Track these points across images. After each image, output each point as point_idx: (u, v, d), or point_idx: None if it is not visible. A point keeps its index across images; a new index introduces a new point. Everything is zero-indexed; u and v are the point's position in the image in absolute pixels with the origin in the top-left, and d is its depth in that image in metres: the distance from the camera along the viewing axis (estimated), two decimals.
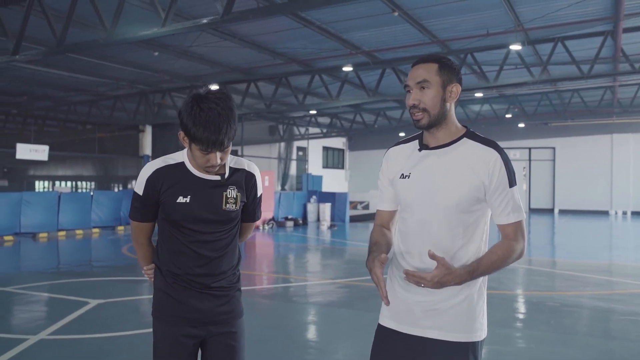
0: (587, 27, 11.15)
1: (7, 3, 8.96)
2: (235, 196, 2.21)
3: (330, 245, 14.49)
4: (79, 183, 33.53)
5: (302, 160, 28.09)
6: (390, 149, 2.21)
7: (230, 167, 2.24)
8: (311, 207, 21.08)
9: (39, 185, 34.80)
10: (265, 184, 17.68)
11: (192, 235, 2.19)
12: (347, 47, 12.46)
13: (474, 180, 1.94)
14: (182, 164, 2.20)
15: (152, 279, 2.34)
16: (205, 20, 8.16)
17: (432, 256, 1.83)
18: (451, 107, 2.03)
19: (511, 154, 26.36)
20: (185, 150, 2.19)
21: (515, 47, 11.30)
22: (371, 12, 9.99)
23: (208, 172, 2.16)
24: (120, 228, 16.77)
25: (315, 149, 29.01)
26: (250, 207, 2.35)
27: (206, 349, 2.27)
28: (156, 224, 2.32)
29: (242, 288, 2.38)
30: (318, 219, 20.82)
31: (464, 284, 1.91)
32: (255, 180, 2.32)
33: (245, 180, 2.28)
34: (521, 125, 25.67)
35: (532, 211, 27.74)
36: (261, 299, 7.49)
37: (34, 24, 9.10)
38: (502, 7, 9.86)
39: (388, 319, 2.08)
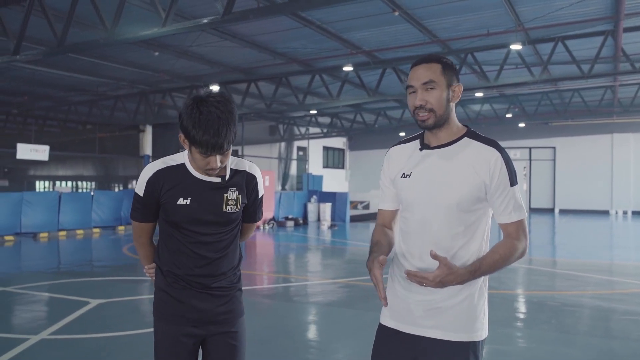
0: (587, 27, 11.14)
1: (7, 3, 8.97)
2: (235, 198, 2.21)
3: (330, 245, 14.49)
4: (79, 183, 33.54)
5: (303, 160, 28.09)
6: (392, 148, 2.21)
7: (231, 169, 2.24)
8: (311, 207, 21.08)
9: (40, 185, 34.81)
10: (266, 183, 17.67)
11: (192, 236, 2.19)
12: (347, 46, 12.46)
13: (475, 180, 1.94)
14: (183, 165, 2.20)
15: (154, 278, 2.35)
16: (205, 20, 8.16)
17: (434, 256, 1.83)
18: (453, 107, 2.04)
19: (511, 154, 26.23)
20: (186, 151, 2.19)
21: (516, 46, 11.29)
22: (371, 11, 9.98)
23: (208, 175, 2.16)
24: (121, 228, 16.78)
25: (315, 148, 29.01)
26: (251, 209, 2.35)
27: (207, 348, 2.27)
28: (157, 224, 2.33)
29: (242, 288, 2.38)
30: (318, 219, 20.83)
31: (464, 284, 1.91)
32: (256, 181, 2.32)
33: (246, 182, 2.27)
34: (521, 125, 25.66)
35: (533, 211, 27.72)
36: (262, 298, 7.49)
37: (34, 24, 9.11)
38: (503, 6, 9.85)
39: (389, 319, 2.08)
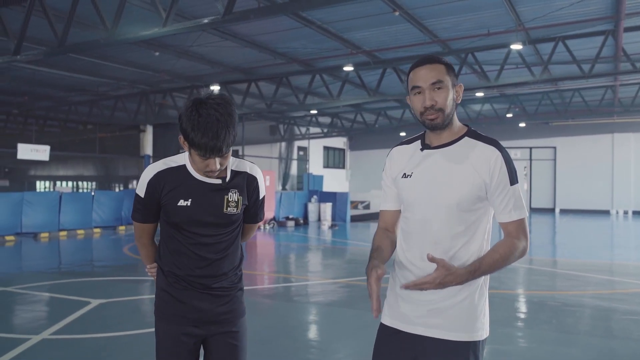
0: (588, 27, 11.14)
1: (8, 3, 8.97)
2: (236, 199, 2.21)
3: (331, 245, 14.50)
4: (80, 183, 33.57)
5: (303, 160, 28.09)
6: (394, 148, 2.21)
7: (232, 170, 2.24)
8: (312, 207, 21.08)
9: (40, 185, 34.85)
10: (266, 183, 17.60)
11: (193, 237, 2.19)
12: (347, 46, 12.46)
13: (476, 179, 1.94)
14: (184, 166, 2.20)
15: (155, 278, 2.35)
16: (206, 20, 8.16)
17: (432, 259, 1.83)
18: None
19: (512, 154, 25.87)
20: (187, 152, 2.19)
21: (516, 46, 11.29)
22: (372, 11, 9.98)
23: (208, 177, 2.16)
24: (122, 228, 16.79)
25: (316, 148, 29.00)
26: (252, 210, 2.35)
27: (208, 348, 2.28)
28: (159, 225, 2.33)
29: (244, 288, 2.38)
30: (319, 219, 20.83)
31: (465, 283, 1.91)
32: (257, 183, 2.32)
33: (247, 184, 2.27)
34: (522, 124, 25.65)
35: (533, 211, 27.72)
36: (262, 298, 7.49)
37: (35, 24, 9.11)
38: (503, 6, 9.85)
39: (390, 318, 2.09)
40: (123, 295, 7.33)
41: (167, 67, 14.46)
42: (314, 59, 13.90)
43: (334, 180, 28.91)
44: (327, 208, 20.50)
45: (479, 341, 1.98)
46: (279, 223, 19.09)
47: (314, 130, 27.36)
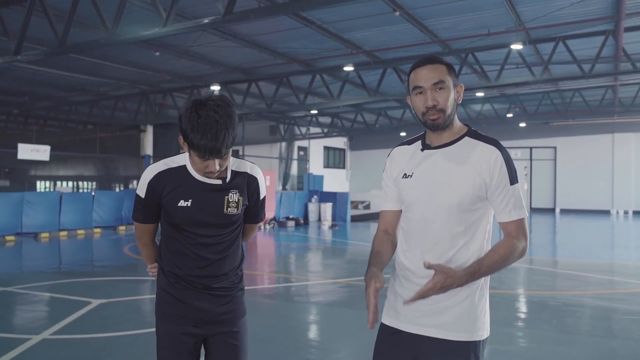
0: (588, 27, 11.14)
1: (8, 3, 8.98)
2: (237, 200, 2.21)
3: (331, 245, 14.50)
4: (80, 183, 33.59)
5: (303, 160, 28.09)
6: (394, 149, 2.21)
7: (232, 171, 2.23)
8: (312, 207, 21.08)
9: (41, 185, 34.87)
10: (267, 183, 17.62)
11: (193, 238, 2.19)
12: (348, 46, 12.46)
13: (476, 179, 1.94)
14: (184, 167, 2.19)
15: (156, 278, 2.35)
16: (206, 20, 8.16)
17: (429, 266, 1.84)
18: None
19: (512, 154, 25.76)
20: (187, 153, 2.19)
21: (517, 46, 11.29)
22: (372, 11, 9.98)
23: (208, 177, 2.16)
24: (122, 228, 16.79)
25: (316, 148, 29.01)
26: (253, 210, 2.35)
27: (209, 348, 2.28)
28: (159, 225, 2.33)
29: (244, 288, 2.38)
30: (319, 219, 20.83)
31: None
32: (258, 183, 2.32)
33: (247, 184, 2.27)
34: (522, 124, 25.64)
35: (534, 211, 27.72)
36: (262, 298, 7.49)
37: (35, 24, 9.12)
38: (503, 6, 9.85)
39: (390, 318, 2.09)
40: (123, 295, 7.33)
41: (168, 67, 14.47)
42: (314, 59, 13.90)
43: (334, 181, 28.91)
44: (327, 208, 20.50)
45: (480, 341, 1.98)
46: (279, 223, 19.09)
47: (314, 130, 27.37)
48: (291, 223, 19.37)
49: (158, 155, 20.66)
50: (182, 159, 2.21)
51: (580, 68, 12.92)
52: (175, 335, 2.21)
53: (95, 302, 6.73)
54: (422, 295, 1.84)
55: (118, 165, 27.95)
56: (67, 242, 14.06)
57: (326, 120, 25.11)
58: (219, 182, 2.19)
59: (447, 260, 1.96)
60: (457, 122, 2.06)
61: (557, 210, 28.10)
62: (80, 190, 30.55)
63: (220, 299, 2.24)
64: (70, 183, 33.53)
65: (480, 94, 18.64)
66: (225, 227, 2.22)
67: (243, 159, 2.36)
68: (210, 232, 2.19)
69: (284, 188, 25.12)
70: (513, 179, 1.96)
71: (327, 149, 30.33)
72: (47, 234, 14.54)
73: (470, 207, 1.96)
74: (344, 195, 21.72)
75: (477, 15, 10.44)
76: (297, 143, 27.25)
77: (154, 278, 2.39)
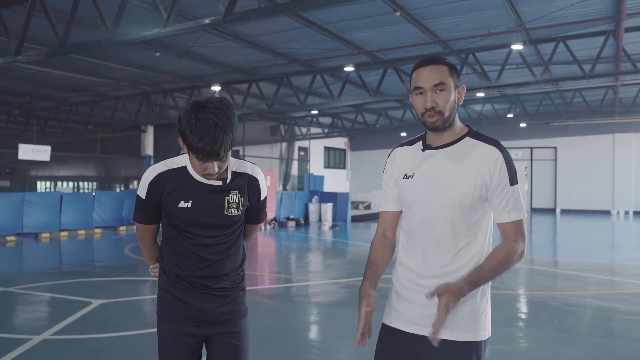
0: (589, 27, 11.14)
1: (9, 4, 8.98)
2: (237, 201, 2.21)
3: (332, 246, 14.50)
4: (80, 183, 33.62)
5: (304, 160, 28.09)
6: (395, 149, 2.21)
7: (232, 172, 2.23)
8: (313, 207, 21.08)
9: (41, 186, 34.88)
10: (267, 184, 17.66)
11: (194, 238, 2.20)
12: (348, 47, 12.46)
13: (477, 179, 1.94)
14: (184, 168, 2.20)
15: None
16: (207, 21, 8.16)
17: (431, 295, 1.83)
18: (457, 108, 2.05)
19: (513, 154, 25.60)
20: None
21: (517, 46, 11.29)
22: (373, 12, 9.99)
23: (207, 179, 2.16)
24: (122, 228, 16.80)
25: (316, 149, 29.01)
26: (254, 210, 2.35)
27: (210, 348, 2.28)
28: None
29: (246, 288, 2.39)
30: (320, 219, 20.83)
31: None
32: (258, 184, 2.32)
33: (247, 185, 2.27)
34: (523, 125, 25.64)
35: (534, 211, 27.70)
36: (263, 299, 7.50)
37: (36, 24, 9.12)
38: (504, 6, 9.85)
39: (392, 319, 2.09)
40: (124, 296, 7.33)
41: (168, 68, 14.47)
42: (315, 60, 13.90)
43: (335, 181, 28.91)
44: (327, 208, 20.50)
45: (481, 341, 1.98)
46: (279, 223, 19.09)
47: (314, 130, 27.37)
48: (292, 223, 19.37)
49: (159, 155, 20.67)
50: (183, 160, 2.22)
51: (580, 68, 12.91)
52: (176, 336, 2.22)
53: (96, 303, 6.73)
54: (441, 322, 1.81)
55: (119, 166, 27.98)
56: (67, 242, 14.07)
57: (327, 120, 25.12)
58: (220, 183, 2.19)
59: (449, 261, 1.97)
60: (457, 123, 2.06)
61: (558, 211, 28.08)
62: (81, 191, 30.58)
63: (222, 299, 2.25)
64: (70, 183, 33.55)
65: (480, 94, 18.65)
66: (225, 228, 2.22)
67: (243, 159, 2.36)
68: (211, 233, 2.20)
69: (284, 188, 25.12)
70: (513, 180, 1.96)
71: (327, 149, 30.33)
72: (47, 234, 14.54)
73: (471, 208, 1.96)
74: (345, 195, 21.72)
75: (478, 15, 10.44)
76: (298, 143, 27.24)
77: (155, 278, 2.39)
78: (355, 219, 21.85)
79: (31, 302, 7.11)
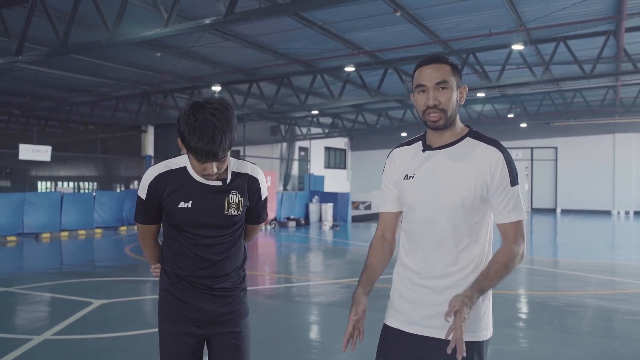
0: (589, 27, 11.13)
1: (9, 4, 8.99)
2: (237, 201, 2.21)
3: (332, 246, 14.50)
4: (81, 183, 33.62)
5: (304, 160, 28.10)
6: (394, 150, 2.20)
7: (232, 172, 2.23)
8: (313, 207, 21.08)
9: (42, 186, 34.89)
10: (268, 184, 17.65)
11: (194, 239, 2.20)
12: (349, 47, 12.46)
13: (478, 179, 1.94)
14: (184, 168, 2.20)
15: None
16: (207, 21, 8.16)
17: (447, 315, 1.77)
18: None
19: (513, 154, 25.59)
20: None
21: (518, 47, 11.29)
22: (373, 12, 9.99)
23: (206, 179, 2.17)
24: (123, 228, 16.80)
25: (317, 149, 29.02)
26: (255, 211, 2.35)
27: (211, 348, 2.28)
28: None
29: (247, 288, 2.38)
30: (320, 219, 20.83)
31: (468, 285, 1.91)
32: (259, 184, 2.32)
33: (248, 185, 2.27)
34: (523, 125, 25.64)
35: (534, 211, 27.71)
36: (263, 299, 7.50)
37: (36, 24, 9.12)
38: (505, 7, 9.85)
39: (393, 319, 2.09)
40: (125, 296, 7.33)
41: (169, 68, 14.47)
42: (315, 60, 13.90)
43: (335, 181, 28.92)
44: (328, 208, 20.50)
45: (483, 341, 1.99)
46: (280, 223, 19.09)
47: (315, 130, 27.38)
48: (292, 223, 19.38)
49: (159, 155, 20.69)
50: (183, 161, 2.22)
51: (581, 68, 12.91)
52: (177, 336, 2.22)
53: (96, 303, 6.73)
54: (460, 338, 1.73)
55: (119, 166, 27.98)
56: (68, 242, 14.07)
57: (327, 120, 25.12)
58: (220, 183, 2.19)
59: (451, 261, 1.97)
60: (458, 123, 2.05)
61: (558, 211, 28.08)
62: (81, 191, 30.59)
63: (222, 300, 2.25)
64: (71, 183, 33.56)
65: (481, 95, 18.64)
66: (226, 228, 2.22)
67: (244, 159, 2.36)
68: (211, 233, 2.20)
69: (284, 188, 25.12)
70: (514, 181, 1.96)
71: (328, 149, 30.34)
72: (48, 235, 14.54)
73: (472, 208, 1.96)
74: (345, 195, 21.72)
75: (478, 15, 10.44)
76: (298, 143, 27.26)
77: (156, 278, 2.39)
78: (356, 219, 21.86)
79: (32, 302, 7.11)
